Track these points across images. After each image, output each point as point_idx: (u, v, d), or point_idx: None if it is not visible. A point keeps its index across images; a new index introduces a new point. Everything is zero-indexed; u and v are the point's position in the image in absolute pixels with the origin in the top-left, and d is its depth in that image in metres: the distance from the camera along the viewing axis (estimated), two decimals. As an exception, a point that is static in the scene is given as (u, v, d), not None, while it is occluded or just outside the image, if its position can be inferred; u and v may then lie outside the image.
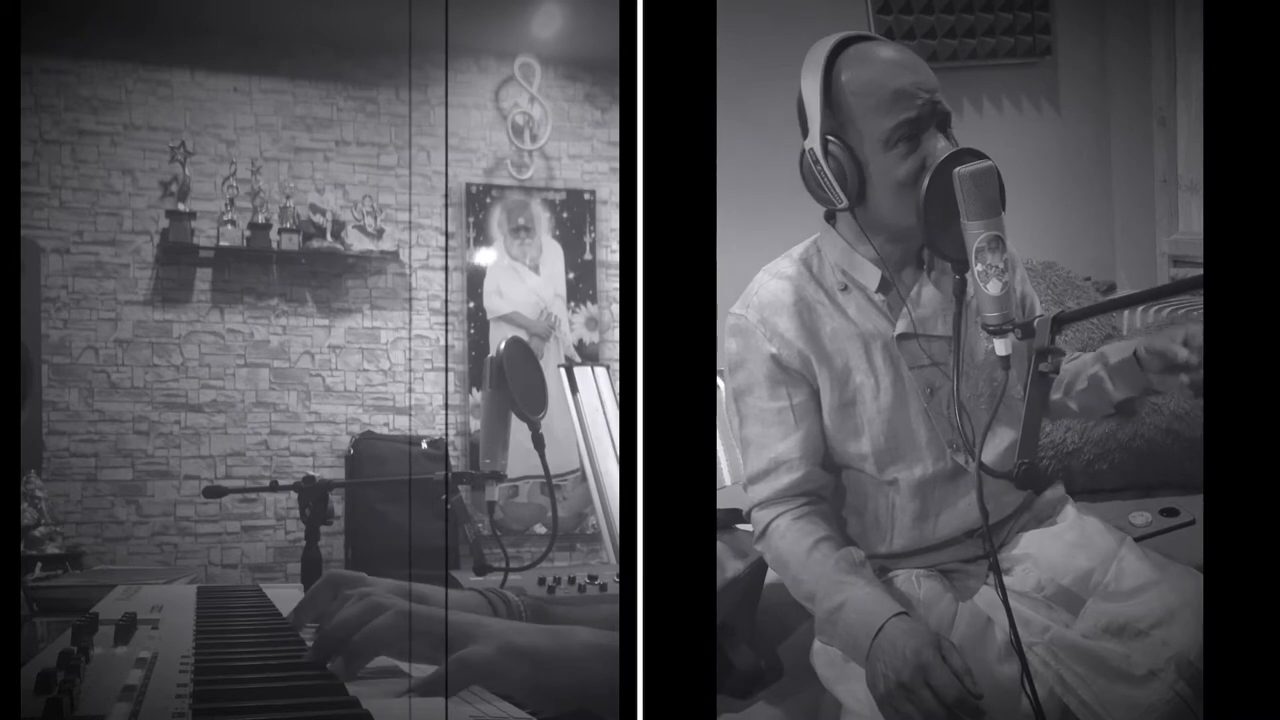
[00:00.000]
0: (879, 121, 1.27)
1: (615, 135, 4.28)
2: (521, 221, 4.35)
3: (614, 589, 1.77)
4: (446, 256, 4.22)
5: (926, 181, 1.22)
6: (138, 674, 0.82)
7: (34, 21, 3.70)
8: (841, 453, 1.38)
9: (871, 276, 1.36)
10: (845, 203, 1.31)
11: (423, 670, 0.89)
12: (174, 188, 3.91)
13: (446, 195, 4.28)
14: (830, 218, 1.40)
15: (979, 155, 1.20)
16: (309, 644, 0.97)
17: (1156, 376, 1.29)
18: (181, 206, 3.88)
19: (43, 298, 3.78)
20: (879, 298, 1.36)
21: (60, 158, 3.87)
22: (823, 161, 1.30)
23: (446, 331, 4.20)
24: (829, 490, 1.40)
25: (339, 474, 4.04)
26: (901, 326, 1.35)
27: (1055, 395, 1.44)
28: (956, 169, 1.17)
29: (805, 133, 1.33)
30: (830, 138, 1.29)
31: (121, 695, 0.76)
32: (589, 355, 4.34)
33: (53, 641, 0.97)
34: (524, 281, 4.34)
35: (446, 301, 4.12)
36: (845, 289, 1.37)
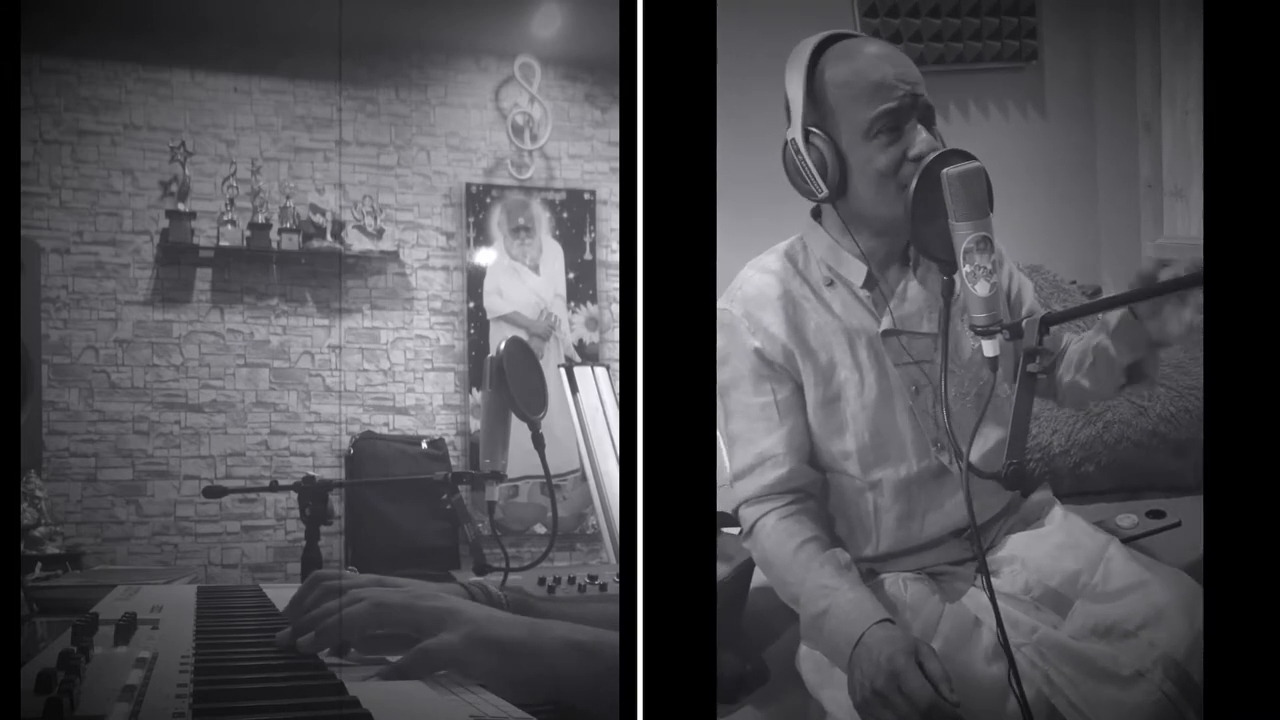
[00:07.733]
0: (860, 112, 1.28)
1: (615, 135, 4.28)
2: (521, 221, 4.35)
3: (614, 589, 1.77)
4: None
5: (915, 182, 1.21)
6: (138, 674, 0.82)
7: (34, 21, 3.70)
8: (825, 452, 1.38)
9: (857, 272, 1.36)
10: (825, 192, 1.31)
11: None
12: (174, 188, 3.91)
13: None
14: (816, 214, 1.41)
15: (967, 156, 1.19)
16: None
17: (1154, 324, 1.22)
18: (181, 206, 3.88)
19: (43, 298, 3.78)
20: (864, 293, 1.36)
21: (60, 158, 3.87)
22: (804, 152, 1.31)
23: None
24: (817, 488, 1.39)
25: (339, 474, 4.04)
26: (886, 323, 1.35)
27: (1067, 377, 1.42)
28: (945, 170, 1.17)
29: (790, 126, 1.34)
30: (812, 129, 1.31)
31: (121, 695, 0.75)
32: (589, 355, 4.34)
33: (53, 641, 0.97)
34: (524, 281, 4.34)
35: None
36: (831, 284, 1.37)
